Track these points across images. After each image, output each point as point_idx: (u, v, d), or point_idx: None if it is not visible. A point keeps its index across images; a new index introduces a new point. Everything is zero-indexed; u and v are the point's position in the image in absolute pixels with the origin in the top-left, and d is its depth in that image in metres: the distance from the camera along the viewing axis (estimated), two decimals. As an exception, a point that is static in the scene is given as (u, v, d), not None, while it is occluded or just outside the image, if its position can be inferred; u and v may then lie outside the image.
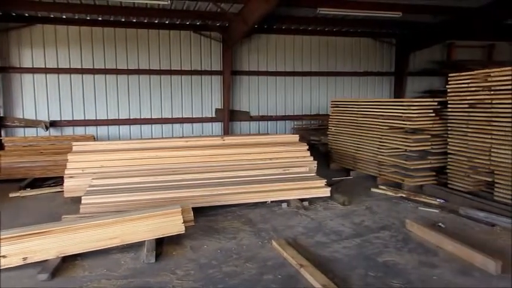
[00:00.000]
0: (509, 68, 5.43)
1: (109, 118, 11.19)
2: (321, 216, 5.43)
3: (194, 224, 4.83)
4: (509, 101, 5.33)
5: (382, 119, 7.27)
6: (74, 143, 6.82)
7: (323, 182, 6.21)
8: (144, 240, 4.22)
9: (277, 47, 12.60)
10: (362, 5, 9.82)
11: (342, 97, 13.05)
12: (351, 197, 6.19)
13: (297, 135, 7.77)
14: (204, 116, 12.06)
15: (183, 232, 4.39)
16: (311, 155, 7.14)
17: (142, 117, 11.46)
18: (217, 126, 12.23)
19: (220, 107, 12.10)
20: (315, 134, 11.13)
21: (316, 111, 13.17)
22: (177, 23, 11.21)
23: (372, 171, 7.53)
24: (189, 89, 11.83)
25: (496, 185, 5.61)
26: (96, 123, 11.09)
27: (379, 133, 7.31)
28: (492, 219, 4.96)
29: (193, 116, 11.95)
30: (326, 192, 6.11)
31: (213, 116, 12.12)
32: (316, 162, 7.02)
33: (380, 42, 13.67)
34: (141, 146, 6.98)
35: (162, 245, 4.34)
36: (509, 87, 5.33)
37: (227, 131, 12.02)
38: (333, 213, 5.57)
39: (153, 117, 11.55)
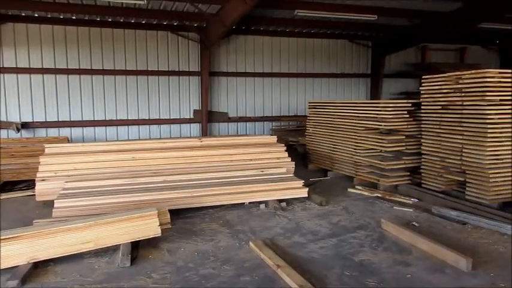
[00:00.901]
0: (479, 70, 5.61)
1: (84, 119, 10.94)
2: (299, 217, 5.46)
3: (171, 226, 4.78)
4: (479, 103, 5.50)
5: (358, 120, 7.38)
6: (47, 145, 6.62)
7: (301, 182, 6.24)
8: (120, 244, 4.15)
9: (255, 48, 12.62)
10: (339, 7, 9.96)
11: (319, 98, 13.19)
12: (328, 198, 6.25)
13: (275, 136, 7.80)
14: (181, 117, 11.95)
15: (160, 235, 4.33)
16: (289, 155, 7.18)
17: (118, 119, 11.25)
18: (195, 128, 12.14)
19: (198, 108, 12.02)
20: (293, 135, 11.19)
21: (294, 112, 13.25)
22: (154, 23, 11.08)
23: (349, 171, 7.63)
24: (166, 90, 11.70)
25: (468, 184, 5.78)
26: (71, 124, 10.82)
27: (355, 134, 7.41)
28: (463, 217, 5.10)
29: (171, 117, 11.82)
30: (304, 192, 6.15)
31: (191, 117, 12.03)
32: (294, 163, 7.07)
33: (356, 45, 13.87)
34: (117, 147, 6.87)
35: (138, 249, 4.27)
36: (479, 89, 5.50)
37: (205, 133, 11.95)
38: (311, 214, 5.61)
39: (129, 118, 11.36)
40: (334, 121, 8.11)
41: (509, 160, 5.56)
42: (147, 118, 11.54)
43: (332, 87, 13.78)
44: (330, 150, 8.17)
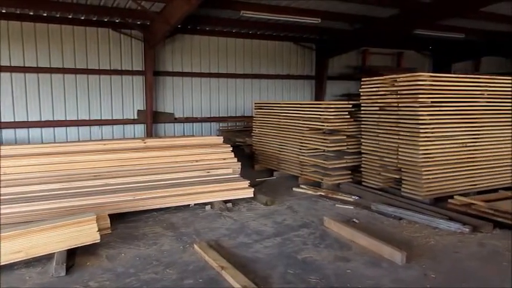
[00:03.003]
0: (413, 74, 5.95)
1: (16, 120, 10.22)
2: (244, 217, 5.47)
3: (111, 231, 4.60)
4: (413, 105, 5.83)
5: (303, 120, 7.54)
6: (-28, 148, 6.09)
7: (246, 183, 6.26)
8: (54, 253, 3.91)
9: (202, 48, 12.52)
10: (283, 9, 10.15)
11: (266, 99, 13.36)
12: (273, 197, 6.32)
13: (221, 137, 7.75)
14: (125, 118, 11.56)
15: (99, 241, 4.14)
16: (236, 156, 7.16)
17: (55, 120, 10.64)
18: (140, 129, 11.80)
19: (142, 109, 11.69)
20: (240, 135, 11.22)
21: (242, 112, 13.31)
22: (94, 19, 10.61)
23: (294, 171, 7.78)
24: (108, 90, 11.26)
25: (403, 182, 6.11)
26: (1, 125, 10.05)
27: (300, 134, 7.57)
28: (399, 213, 5.38)
29: (114, 118, 11.40)
30: (249, 193, 6.17)
31: (135, 118, 11.68)
32: (240, 163, 7.06)
33: (301, 47, 14.21)
34: (53, 150, 6.45)
35: (74, 256, 4.05)
36: (413, 91, 5.83)
37: (150, 133, 11.64)
38: (256, 214, 5.65)
39: (68, 119, 10.78)
40: (280, 122, 8.23)
41: (440, 158, 5.95)
42: (87, 119, 11.02)
43: (278, 88, 14.01)
44: (276, 150, 8.28)
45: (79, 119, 10.93)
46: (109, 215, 4.89)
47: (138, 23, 10.81)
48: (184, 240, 4.60)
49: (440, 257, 4.09)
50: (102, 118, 11.24)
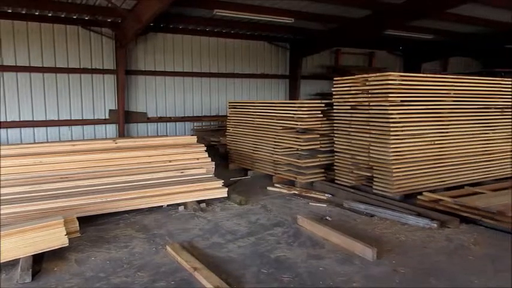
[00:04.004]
0: (383, 74, 6.07)
1: (-22, 120, 9.83)
2: (218, 217, 5.44)
3: (81, 235, 4.48)
4: (383, 103, 5.95)
5: (277, 119, 7.56)
6: None
7: (220, 182, 6.23)
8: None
9: (175, 46, 12.36)
10: (257, 8, 10.15)
11: (240, 98, 13.31)
12: (247, 196, 6.32)
13: (195, 137, 7.67)
14: (96, 118, 11.28)
15: (67, 245, 4.02)
16: (210, 156, 7.11)
17: (22, 120, 10.25)
18: (112, 129, 11.53)
19: (114, 108, 11.44)
20: (214, 135, 11.16)
21: (216, 112, 13.23)
22: (62, 16, 10.27)
23: (269, 170, 7.80)
24: (78, 89, 10.94)
25: (374, 179, 6.23)
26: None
27: (274, 133, 7.59)
28: (371, 210, 5.48)
29: (84, 118, 11.09)
30: (223, 192, 6.15)
31: (107, 117, 11.41)
32: (213, 163, 7.02)
33: (275, 46, 14.26)
34: (20, 151, 6.21)
35: (41, 262, 3.92)
36: (383, 91, 5.94)
37: (123, 134, 11.40)
38: (230, 214, 5.63)
39: (35, 119, 10.42)
40: (254, 121, 8.23)
41: (410, 156, 6.10)
42: (56, 119, 10.69)
43: (253, 87, 14.01)
44: (251, 149, 8.28)
45: (47, 119, 10.58)
46: (79, 218, 4.75)
47: (109, 20, 10.56)
48: (157, 242, 4.53)
49: (409, 252, 4.19)
50: (72, 118, 10.91)
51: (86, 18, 10.48)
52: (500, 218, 4.62)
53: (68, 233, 4.06)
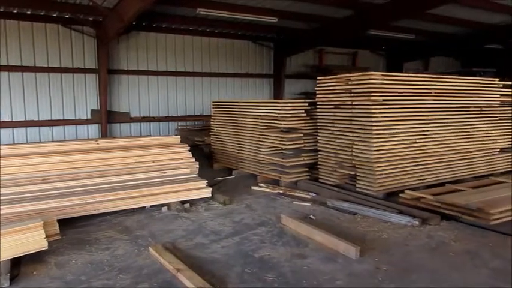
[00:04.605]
0: (365, 73, 6.12)
1: (-44, 121, 9.56)
2: (202, 218, 5.41)
3: (60, 237, 4.37)
4: (366, 103, 6.00)
5: (261, 119, 7.56)
6: None
7: (204, 182, 6.19)
8: (-4, 262, 3.67)
9: (158, 46, 12.25)
10: (240, 8, 10.13)
11: (225, 98, 13.26)
12: (232, 196, 6.30)
13: (178, 137, 7.61)
14: (77, 118, 11.10)
15: (46, 248, 3.93)
16: (194, 156, 7.06)
17: (1, 121, 10.02)
18: (94, 129, 11.36)
19: (96, 108, 11.26)
20: (199, 135, 11.09)
21: (200, 111, 13.17)
22: (42, 14, 10.06)
23: (253, 169, 7.79)
24: (59, 89, 10.75)
25: (357, 178, 6.28)
26: None
27: (258, 133, 7.58)
28: (354, 208, 5.53)
29: (65, 118, 10.90)
30: (207, 193, 6.11)
31: (89, 117, 11.23)
32: (197, 163, 6.97)
33: (260, 46, 14.26)
34: (-4, 153, 6.08)
35: (19, 265, 3.83)
36: (366, 90, 5.99)
37: (105, 134, 11.24)
38: (214, 214, 5.60)
39: (14, 120, 10.19)
40: (238, 120, 8.21)
41: (392, 154, 6.17)
42: (36, 119, 10.47)
43: (237, 86, 13.98)
44: (235, 149, 8.26)
45: (27, 119, 10.36)
46: (60, 220, 4.64)
47: (90, 19, 10.39)
48: (139, 244, 4.47)
49: (392, 250, 4.24)
50: (53, 118, 10.71)
51: (67, 16, 10.30)
52: (480, 215, 4.71)
53: (47, 236, 3.97)
